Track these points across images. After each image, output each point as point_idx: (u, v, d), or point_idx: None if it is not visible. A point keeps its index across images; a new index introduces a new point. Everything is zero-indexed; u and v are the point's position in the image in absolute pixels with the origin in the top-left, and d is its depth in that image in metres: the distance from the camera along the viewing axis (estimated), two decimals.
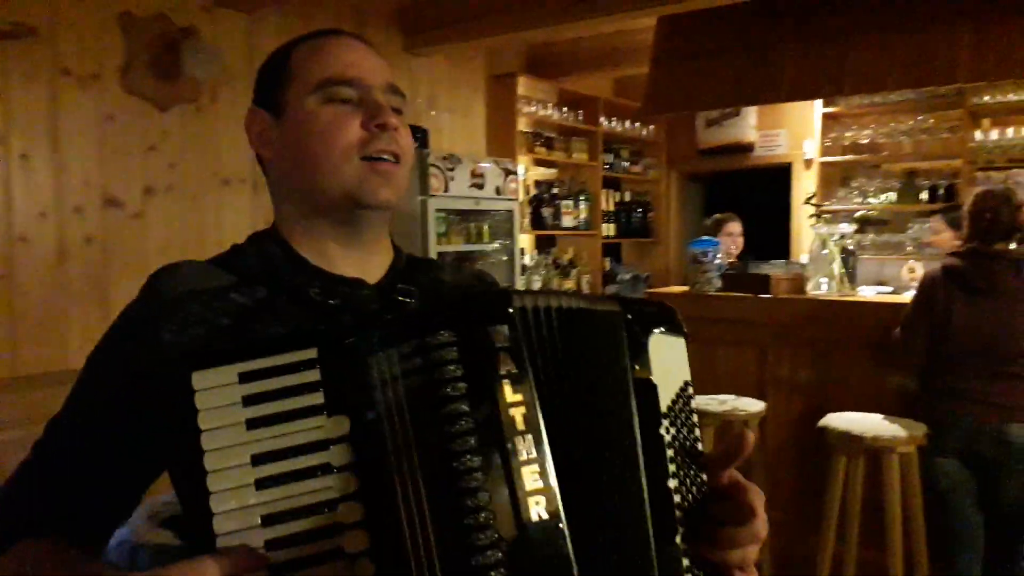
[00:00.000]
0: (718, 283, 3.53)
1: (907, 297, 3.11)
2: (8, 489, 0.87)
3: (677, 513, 0.78)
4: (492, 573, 0.68)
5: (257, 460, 0.71)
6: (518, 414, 0.71)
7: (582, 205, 5.42)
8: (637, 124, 6.00)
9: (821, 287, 3.33)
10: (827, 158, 5.52)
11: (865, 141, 5.45)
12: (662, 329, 0.83)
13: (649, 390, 0.79)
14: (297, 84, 0.90)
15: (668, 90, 3.90)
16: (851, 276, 3.37)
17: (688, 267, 3.64)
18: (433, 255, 3.38)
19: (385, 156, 0.89)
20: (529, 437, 0.70)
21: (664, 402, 0.80)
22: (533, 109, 5.01)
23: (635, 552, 0.76)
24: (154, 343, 0.82)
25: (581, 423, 0.75)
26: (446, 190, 3.42)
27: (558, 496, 0.70)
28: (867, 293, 3.50)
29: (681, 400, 0.81)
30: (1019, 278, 2.63)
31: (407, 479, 0.70)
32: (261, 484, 0.70)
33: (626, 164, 5.96)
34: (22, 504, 0.85)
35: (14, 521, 0.84)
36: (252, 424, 0.71)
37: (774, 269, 3.55)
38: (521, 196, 4.45)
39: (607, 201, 5.72)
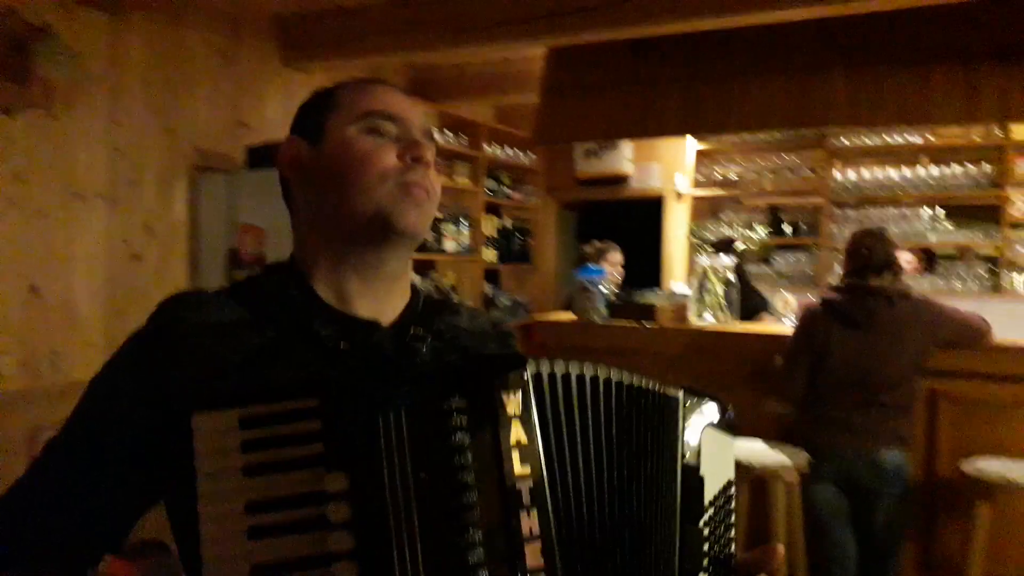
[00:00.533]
0: (604, 312, 3.54)
1: (786, 327, 3.23)
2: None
3: None
4: None
5: (251, 508, 0.70)
6: (524, 488, 0.71)
7: (464, 230, 5.36)
8: (518, 151, 6.02)
9: (705, 317, 3.40)
10: (698, 191, 5.74)
11: (734, 177, 5.71)
12: (715, 422, 0.87)
13: (692, 476, 0.83)
14: (340, 114, 0.93)
15: (557, 121, 3.92)
16: (732, 306, 3.47)
17: (575, 295, 3.64)
18: None
19: (419, 185, 0.90)
20: (534, 512, 0.71)
21: (708, 493, 0.84)
22: None
23: None
24: (161, 377, 0.82)
25: (616, 500, 0.78)
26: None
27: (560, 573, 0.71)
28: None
29: (723, 497, 0.85)
30: (892, 312, 2.77)
31: (405, 545, 0.70)
32: (253, 533, 0.70)
33: (507, 190, 5.96)
34: (11, 524, 0.85)
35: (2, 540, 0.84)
36: (248, 471, 0.71)
37: (658, 298, 3.61)
38: None
39: (488, 227, 5.69)
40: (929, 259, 5.21)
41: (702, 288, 3.42)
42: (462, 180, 5.39)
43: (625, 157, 5.93)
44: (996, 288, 4.99)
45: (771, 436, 2.88)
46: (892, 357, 2.74)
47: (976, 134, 5.04)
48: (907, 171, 5.21)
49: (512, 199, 6.07)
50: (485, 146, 5.57)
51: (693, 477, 0.83)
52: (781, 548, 0.87)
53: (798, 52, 3.48)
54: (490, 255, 5.71)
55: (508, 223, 6.08)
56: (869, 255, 2.81)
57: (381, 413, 0.72)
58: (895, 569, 2.81)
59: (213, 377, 0.82)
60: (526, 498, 0.72)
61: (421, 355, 0.92)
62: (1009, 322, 4.30)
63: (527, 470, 0.73)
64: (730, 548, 0.86)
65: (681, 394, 0.86)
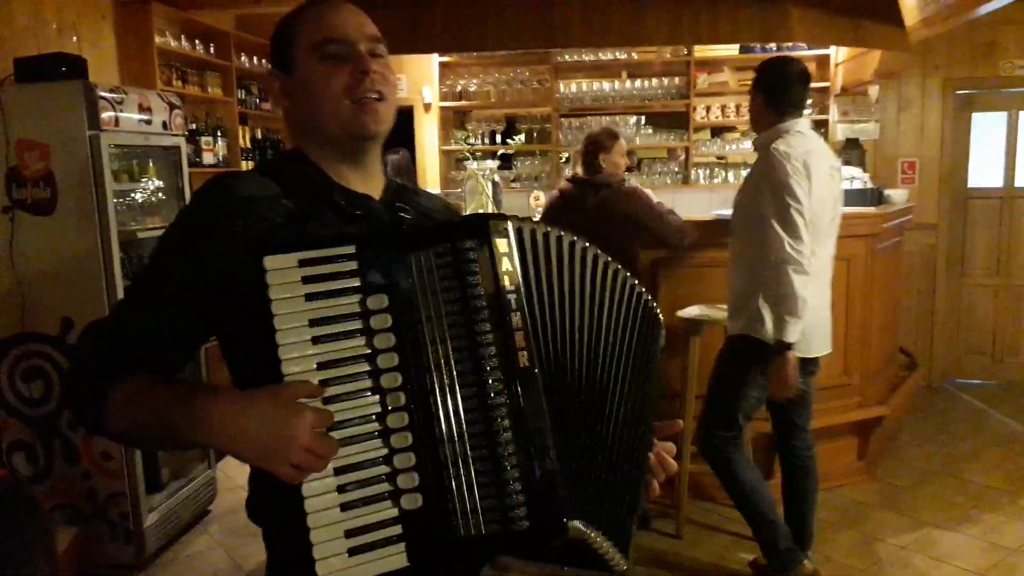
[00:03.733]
0: None
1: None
2: (100, 325, 1.08)
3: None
4: (500, 399, 0.96)
5: (314, 322, 0.95)
6: (512, 298, 1.00)
7: (219, 142, 5.34)
8: (264, 61, 6.01)
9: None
10: (444, 103, 6.22)
11: (473, 89, 6.25)
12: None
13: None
14: (299, 45, 1.14)
15: None
16: (498, 204, 4.06)
17: None
18: (110, 196, 3.21)
19: (369, 96, 1.12)
20: (518, 314, 1.00)
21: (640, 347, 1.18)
22: (166, 40, 4.78)
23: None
24: (227, 231, 1.04)
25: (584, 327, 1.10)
26: (116, 124, 3.23)
27: (535, 351, 1.00)
28: None
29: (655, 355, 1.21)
30: (596, 198, 3.45)
31: (437, 339, 0.97)
32: (316, 340, 0.95)
33: (257, 100, 5.96)
34: (114, 343, 1.06)
35: (108, 357, 1.05)
36: (309, 297, 0.95)
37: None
38: None
39: (243, 138, 5.69)
40: (636, 160, 6.23)
41: (474, 189, 3.96)
42: (215, 91, 5.33)
43: None
44: (685, 180, 6.16)
45: None
46: (600, 236, 3.41)
47: (668, 52, 6.05)
48: (617, 84, 6.13)
49: (262, 109, 6.08)
50: (233, 56, 5.52)
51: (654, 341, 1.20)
52: (680, 422, 1.23)
53: None
54: (248, 167, 5.74)
55: (259, 134, 6.10)
56: (581, 153, 3.51)
57: (415, 252, 0.98)
58: None
59: (268, 232, 1.04)
60: (513, 305, 0.99)
61: (409, 222, 1.17)
62: (696, 206, 5.44)
63: (513, 287, 1.00)
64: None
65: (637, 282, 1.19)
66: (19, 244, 3.22)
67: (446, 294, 0.98)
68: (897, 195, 4.47)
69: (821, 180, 2.71)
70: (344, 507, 0.94)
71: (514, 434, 0.97)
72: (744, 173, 5.96)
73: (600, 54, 6.05)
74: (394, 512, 0.95)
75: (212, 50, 5.32)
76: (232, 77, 5.49)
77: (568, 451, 1.02)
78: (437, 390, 0.97)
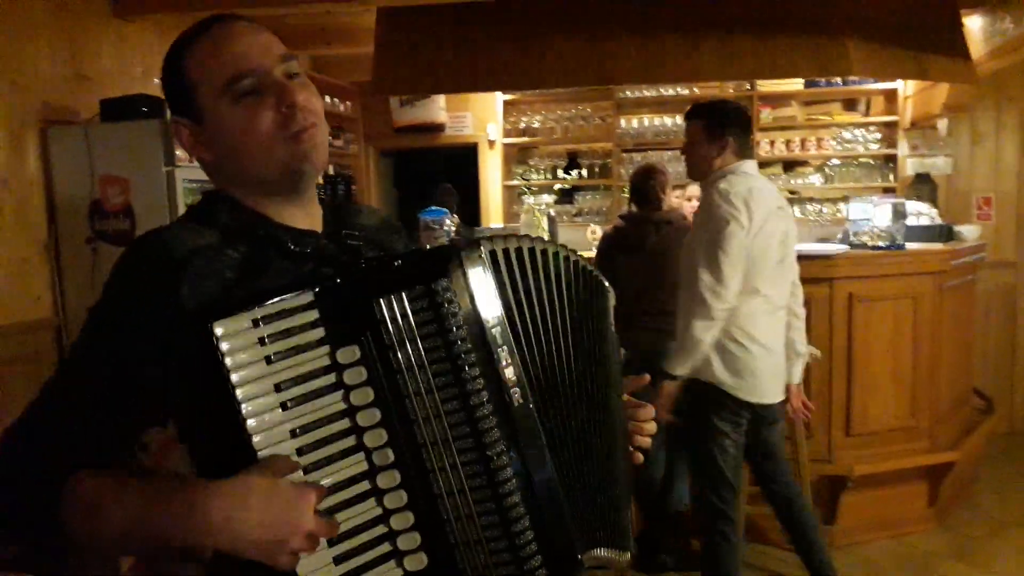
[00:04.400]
0: None
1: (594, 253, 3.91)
2: (24, 425, 0.93)
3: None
4: (498, 448, 0.91)
5: (279, 387, 0.87)
6: (496, 332, 0.95)
7: None
8: (336, 100, 6.25)
9: None
10: (508, 140, 6.33)
11: (536, 125, 6.35)
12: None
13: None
14: (203, 90, 0.98)
15: (392, 74, 4.28)
16: (554, 237, 4.10)
17: (422, 234, 4.09)
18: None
19: (303, 130, 0.98)
20: (504, 348, 0.95)
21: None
22: None
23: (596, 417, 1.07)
24: (173, 297, 0.90)
25: (569, 344, 1.05)
26: (191, 160, 3.42)
27: (526, 382, 0.97)
28: None
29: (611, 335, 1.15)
30: (658, 236, 3.46)
31: (421, 385, 0.90)
32: (285, 406, 0.87)
33: (329, 139, 6.18)
34: (43, 441, 0.91)
35: (38, 455, 0.91)
36: (269, 360, 0.86)
37: (494, 233, 4.16)
38: None
39: None
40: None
41: (530, 222, 4.02)
42: None
43: (439, 107, 6.36)
44: None
45: None
46: (664, 275, 3.35)
47: (731, 87, 6.03)
48: (679, 119, 6.12)
49: (333, 147, 6.30)
50: None
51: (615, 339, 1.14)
52: (647, 377, 1.23)
53: (596, 18, 4.11)
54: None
55: (331, 170, 6.32)
56: (633, 188, 3.51)
57: (384, 296, 0.88)
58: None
59: (218, 290, 0.92)
60: (499, 340, 0.94)
61: (360, 252, 1.06)
62: None
63: (496, 321, 0.94)
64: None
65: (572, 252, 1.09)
66: (101, 273, 3.42)
67: (426, 341, 0.90)
68: (968, 231, 4.32)
69: (764, 219, 2.62)
70: None
71: (517, 480, 0.93)
72: (814, 208, 5.89)
73: (662, 90, 6.07)
74: (399, 573, 0.91)
75: None
76: None
77: (566, 473, 1.00)
78: (429, 444, 0.90)
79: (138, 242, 0.97)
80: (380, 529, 0.90)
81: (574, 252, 1.09)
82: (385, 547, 0.90)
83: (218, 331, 0.84)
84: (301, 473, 0.87)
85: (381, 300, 0.89)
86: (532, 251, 1.02)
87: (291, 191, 1.03)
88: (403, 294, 0.89)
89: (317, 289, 0.89)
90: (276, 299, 0.88)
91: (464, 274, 0.93)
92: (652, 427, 1.18)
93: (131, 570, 3.34)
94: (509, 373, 0.95)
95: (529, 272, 1.01)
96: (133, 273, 0.95)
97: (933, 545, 3.76)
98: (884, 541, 3.74)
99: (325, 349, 0.89)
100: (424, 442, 0.90)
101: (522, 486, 0.93)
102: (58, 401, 0.94)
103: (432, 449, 0.90)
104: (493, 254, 0.97)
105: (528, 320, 1.00)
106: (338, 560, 0.88)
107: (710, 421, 2.74)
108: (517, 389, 0.95)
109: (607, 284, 1.16)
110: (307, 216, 1.06)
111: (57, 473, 0.89)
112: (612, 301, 1.17)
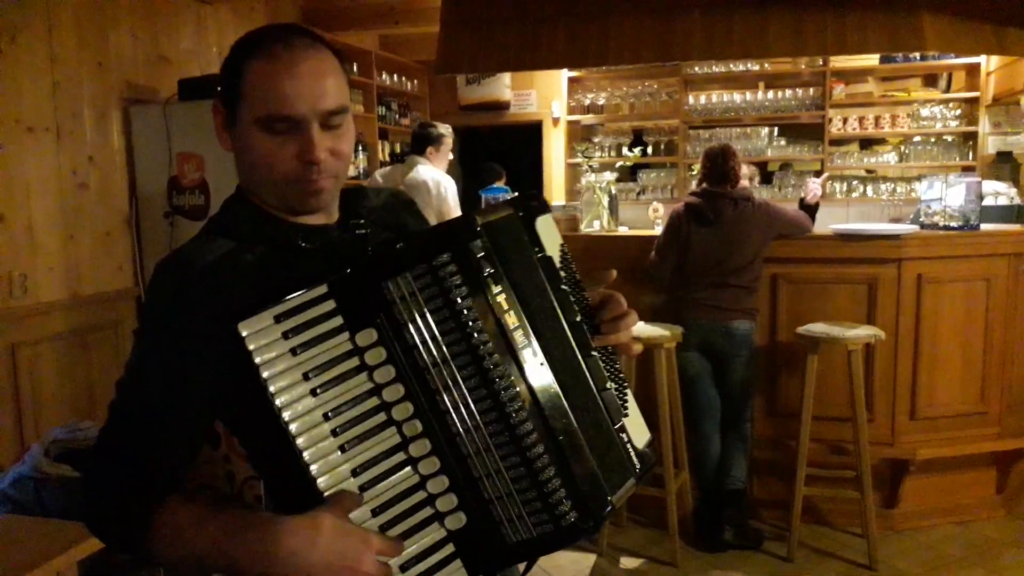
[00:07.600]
0: None
1: (657, 231, 3.91)
2: (103, 451, 1.01)
3: (586, 329, 1.08)
4: (516, 405, 0.94)
5: (307, 375, 0.93)
6: (502, 299, 0.97)
7: (361, 155, 5.70)
8: (404, 79, 6.36)
9: (594, 225, 4.03)
10: (572, 117, 6.33)
11: (602, 102, 6.33)
12: (542, 215, 1.11)
13: (548, 262, 1.07)
14: (245, 106, 1.02)
15: (456, 53, 4.33)
16: (615, 215, 4.11)
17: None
18: None
19: (314, 183, 1.04)
20: (512, 313, 0.97)
21: (556, 262, 1.08)
22: None
23: (574, 367, 1.04)
24: (201, 307, 0.98)
25: (523, 296, 1.01)
26: None
27: (535, 339, 0.97)
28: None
29: (563, 254, 1.12)
30: (735, 211, 3.47)
31: (436, 356, 0.94)
32: (315, 392, 0.93)
33: (396, 116, 6.30)
34: (125, 464, 0.99)
35: (124, 478, 0.99)
36: (294, 352, 0.93)
37: (553, 211, 4.19)
38: None
39: (382, 152, 6.04)
40: (765, 172, 6.09)
41: (591, 200, 4.03)
42: (356, 107, 5.70)
43: (505, 85, 6.40)
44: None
45: (646, 318, 3.56)
46: (737, 247, 3.46)
47: (803, 63, 5.88)
48: (749, 95, 6.01)
49: (401, 125, 6.42)
50: (375, 74, 5.88)
51: (546, 261, 1.06)
52: (614, 271, 1.17)
53: None
54: None
55: (398, 148, 6.45)
56: (711, 167, 3.51)
57: (392, 279, 0.93)
58: (748, 415, 3.59)
59: (237, 293, 0.96)
60: (505, 305, 0.96)
61: (367, 239, 1.11)
62: (830, 219, 5.25)
63: (500, 287, 0.96)
64: (577, 277, 1.11)
65: (513, 210, 1.06)
66: (177, 245, 3.59)
67: (435, 315, 0.94)
68: None
69: None
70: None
71: (539, 433, 0.96)
72: (887, 187, 5.71)
73: (732, 65, 5.96)
74: (442, 533, 0.97)
75: (356, 68, 5.69)
76: (373, 94, 5.84)
77: (580, 418, 1.01)
78: (451, 409, 0.95)
79: (162, 264, 1.04)
80: (420, 495, 0.97)
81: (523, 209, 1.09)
82: (427, 511, 0.97)
83: (244, 331, 0.91)
84: (352, 480, 0.95)
85: (389, 282, 0.94)
86: (510, 218, 1.05)
87: (296, 213, 1.09)
88: (408, 274, 0.94)
89: (331, 280, 0.95)
90: (294, 295, 0.94)
91: (466, 249, 0.95)
92: (628, 333, 1.15)
93: None
94: (518, 336, 0.97)
95: (511, 239, 1.03)
96: (163, 292, 1.02)
97: (999, 533, 3.66)
98: (947, 527, 3.66)
99: (345, 335, 0.95)
100: (447, 408, 0.95)
101: (544, 434, 0.96)
102: (127, 422, 1.02)
103: (455, 413, 0.95)
104: (489, 225, 0.99)
105: (526, 279, 1.02)
106: (384, 528, 0.96)
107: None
108: (527, 349, 0.98)
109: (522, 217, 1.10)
110: (323, 212, 1.11)
111: (147, 496, 0.98)
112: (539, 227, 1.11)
